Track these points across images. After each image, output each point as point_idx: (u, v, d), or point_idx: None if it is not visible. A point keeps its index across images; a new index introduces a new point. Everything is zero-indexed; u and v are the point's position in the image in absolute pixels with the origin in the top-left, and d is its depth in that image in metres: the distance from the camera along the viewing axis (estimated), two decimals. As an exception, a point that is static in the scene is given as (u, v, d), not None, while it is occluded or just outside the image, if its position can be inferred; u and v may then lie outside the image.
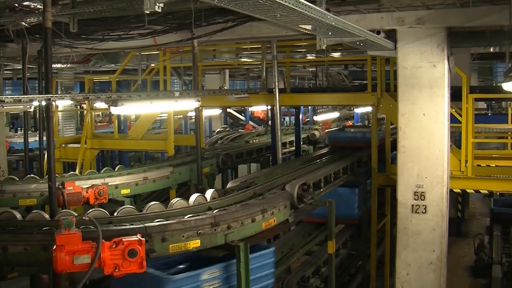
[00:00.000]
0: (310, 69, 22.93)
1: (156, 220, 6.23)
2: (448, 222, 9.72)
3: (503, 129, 14.67)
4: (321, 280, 9.86)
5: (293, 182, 8.44)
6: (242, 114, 26.74)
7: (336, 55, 16.14)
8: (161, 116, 18.65)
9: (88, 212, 6.68)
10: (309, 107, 25.41)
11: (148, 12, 4.03)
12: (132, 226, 6.00)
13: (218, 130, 22.39)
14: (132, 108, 8.53)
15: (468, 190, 11.23)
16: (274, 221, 7.37)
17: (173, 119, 13.82)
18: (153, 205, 7.00)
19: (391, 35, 9.17)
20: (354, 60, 16.86)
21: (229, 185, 8.64)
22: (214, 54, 16.98)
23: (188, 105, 9.95)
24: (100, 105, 15.02)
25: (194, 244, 6.23)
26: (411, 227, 9.36)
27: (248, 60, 18.11)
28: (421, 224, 9.30)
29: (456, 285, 14.42)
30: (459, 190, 11.29)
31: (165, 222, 6.12)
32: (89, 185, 9.20)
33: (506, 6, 6.63)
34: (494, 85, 21.73)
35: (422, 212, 9.24)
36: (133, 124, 16.54)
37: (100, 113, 27.28)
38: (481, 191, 11.29)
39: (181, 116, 16.71)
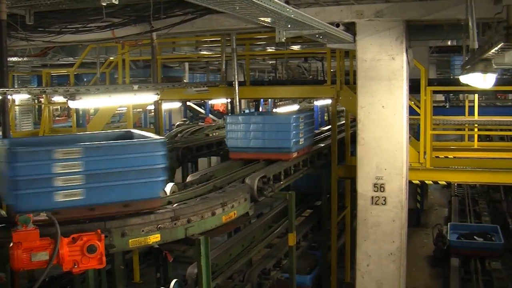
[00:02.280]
0: (270, 62, 22.95)
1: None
2: (408, 213, 9.83)
3: (460, 121, 14.85)
4: (282, 272, 9.88)
5: (253, 175, 8.42)
6: (202, 107, 26.63)
7: (295, 48, 16.16)
8: (120, 110, 18.48)
9: (46, 207, 6.57)
10: (269, 100, 25.44)
11: (105, 4, 3.98)
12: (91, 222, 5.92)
13: (177, 123, 22.24)
14: (90, 102, 8.41)
15: (426, 181, 11.35)
16: (234, 214, 7.35)
17: (132, 113, 13.72)
18: (112, 200, 6.92)
19: (350, 27, 9.21)
20: (314, 53, 16.89)
21: (189, 179, 8.59)
22: (174, 47, 16.87)
23: (147, 98, 9.87)
24: (58, 99, 14.82)
25: (154, 238, 6.17)
26: (371, 218, 9.44)
27: (208, 53, 18.04)
28: (380, 216, 9.39)
29: (416, 274, 14.61)
30: (418, 182, 11.42)
31: (124, 217, 6.05)
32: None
33: (462, 0, 6.69)
34: (452, 77, 22.02)
35: (382, 203, 9.32)
36: (92, 118, 16.36)
37: (59, 107, 26.92)
38: (439, 182, 11.42)
39: (141, 109, 16.60)
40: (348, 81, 12.42)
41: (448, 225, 15.73)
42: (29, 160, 5.75)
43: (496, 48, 5.99)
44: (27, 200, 5.75)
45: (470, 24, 5.99)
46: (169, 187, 7.72)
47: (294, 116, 10.24)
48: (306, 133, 10.57)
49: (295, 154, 10.02)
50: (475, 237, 14.83)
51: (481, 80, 7.96)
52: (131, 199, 6.15)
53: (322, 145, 12.29)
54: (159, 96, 9.76)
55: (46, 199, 5.84)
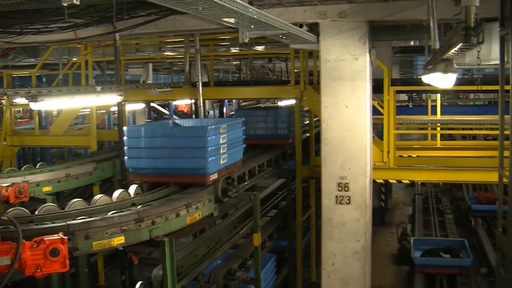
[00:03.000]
0: (234, 63, 22.93)
1: (79, 218, 6.10)
2: (372, 212, 9.92)
3: (423, 120, 15.01)
4: (247, 273, 9.88)
5: (218, 176, 8.37)
6: (166, 108, 26.48)
7: (259, 48, 16.18)
8: (83, 111, 18.31)
9: (8, 211, 6.47)
10: (233, 100, 25.43)
11: (66, 4, 3.93)
12: (54, 225, 5.83)
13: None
14: (52, 104, 8.29)
15: (390, 181, 11.47)
16: (199, 215, 7.35)
17: (95, 114, 13.60)
18: (76, 202, 6.84)
19: (314, 28, 9.25)
20: (278, 53, 16.93)
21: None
22: (137, 47, 16.75)
23: (110, 99, 9.79)
24: (20, 100, 14.63)
25: (119, 240, 6.13)
26: (335, 218, 9.49)
27: (172, 54, 17.95)
28: (345, 215, 9.45)
29: (380, 273, 14.71)
30: (382, 181, 11.53)
31: (88, 220, 5.99)
32: (9, 184, 8.90)
33: (425, 1, 6.77)
34: (414, 77, 22.25)
35: (346, 203, 9.38)
36: (55, 119, 16.18)
37: (21, 109, 26.55)
38: (403, 181, 11.56)
39: (104, 111, 16.45)
40: (311, 81, 12.48)
41: (411, 241, 14.57)
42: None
43: (456, 49, 6.08)
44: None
45: (431, 24, 6.07)
46: (132, 188, 7.69)
47: (213, 127, 8.05)
48: (232, 147, 8.67)
49: (214, 176, 8.00)
50: (441, 253, 13.73)
51: (442, 80, 8.07)
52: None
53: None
54: (122, 97, 9.70)
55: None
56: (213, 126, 8.05)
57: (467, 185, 20.93)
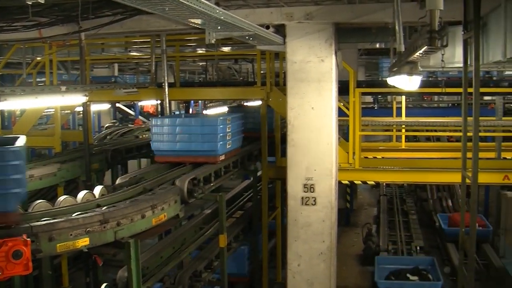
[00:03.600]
0: (200, 64, 22.87)
1: (43, 219, 6.02)
2: (338, 213, 9.96)
3: (388, 122, 15.14)
4: (213, 274, 9.87)
5: (183, 177, 8.39)
6: (132, 109, 26.34)
7: (226, 49, 16.17)
8: (47, 111, 18.09)
9: (-31, 212, 6.37)
10: (199, 101, 25.37)
11: (30, 3, 3.88)
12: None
13: (107, 125, 21.96)
14: (16, 103, 8.18)
15: (356, 182, 11.54)
16: (165, 216, 7.30)
17: (60, 114, 13.45)
18: (39, 204, 6.75)
19: (280, 30, 9.27)
20: (244, 54, 16.93)
21: (118, 181, 8.48)
22: (103, 47, 16.62)
23: (75, 100, 9.69)
24: (-18, 100, 14.39)
25: (83, 242, 6.06)
26: (301, 219, 9.52)
27: (138, 54, 17.86)
28: (311, 216, 9.48)
29: (346, 273, 14.82)
30: (347, 182, 11.59)
31: (51, 221, 5.91)
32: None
33: (390, 4, 6.82)
34: (380, 79, 22.43)
35: (312, 204, 9.42)
36: (18, 119, 15.97)
37: (-17, 108, 26.18)
38: (368, 182, 11.64)
39: (69, 111, 16.27)
40: (278, 83, 12.51)
41: (376, 260, 13.72)
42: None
43: (420, 51, 6.14)
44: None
45: (397, 27, 6.12)
46: (97, 190, 7.63)
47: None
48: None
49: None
50: (408, 275, 12.78)
51: (407, 82, 8.16)
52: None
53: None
54: (87, 98, 9.61)
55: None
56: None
57: (431, 186, 21.20)
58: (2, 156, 5.79)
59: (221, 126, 9.71)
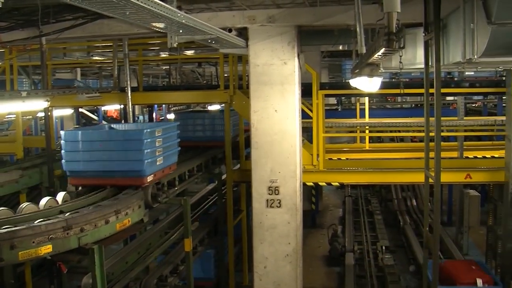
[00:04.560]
0: (164, 67, 22.80)
1: (4, 227, 5.94)
2: (303, 214, 10.00)
3: (352, 123, 15.26)
4: (179, 278, 9.83)
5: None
6: (95, 114, 26.11)
7: (189, 53, 16.13)
8: (8, 117, 17.85)
9: None
10: (163, 105, 25.28)
11: (-12, 7, 3.82)
12: (-23, 235, 5.67)
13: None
14: (-25, 110, 8.09)
15: (320, 183, 11.60)
16: (129, 221, 7.26)
17: (21, 120, 13.28)
18: (1, 211, 6.67)
19: (243, 33, 9.28)
20: (207, 58, 16.91)
21: (81, 187, 8.39)
22: (65, 52, 16.46)
23: (36, 105, 9.58)
24: None
25: (46, 249, 5.98)
26: (266, 221, 9.53)
27: (100, 58, 17.71)
28: (276, 218, 9.50)
29: (312, 274, 14.88)
30: (312, 184, 11.64)
31: (13, 229, 5.83)
32: None
33: (351, 7, 6.88)
34: (343, 81, 22.60)
35: (277, 206, 9.44)
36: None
37: None
38: (333, 183, 11.69)
39: (30, 116, 16.08)
40: (241, 86, 12.52)
41: None
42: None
43: (379, 53, 6.21)
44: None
45: (358, 29, 6.16)
46: (60, 196, 7.54)
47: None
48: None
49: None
50: None
51: (368, 84, 8.25)
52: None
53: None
54: (49, 103, 9.51)
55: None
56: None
57: (396, 186, 21.42)
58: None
59: (148, 140, 8.04)
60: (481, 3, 5.15)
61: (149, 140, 8.08)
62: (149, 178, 8.11)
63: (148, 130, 8.23)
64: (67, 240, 6.20)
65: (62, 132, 8.41)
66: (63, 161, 8.18)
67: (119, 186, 8.06)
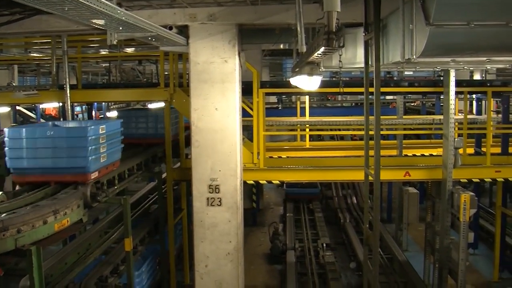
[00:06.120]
0: (104, 65, 22.51)
1: None
2: (244, 212, 10.03)
3: (293, 121, 15.37)
4: (119, 278, 9.72)
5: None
6: (33, 112, 25.60)
7: (129, 50, 15.97)
8: None
9: None
10: (103, 103, 24.96)
11: None
12: None
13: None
14: None
15: (261, 181, 11.64)
16: (68, 221, 7.15)
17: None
18: None
19: (183, 31, 9.26)
20: (148, 55, 16.77)
21: (18, 187, 8.22)
22: (1, 48, 16.09)
23: (-29, 103, 9.36)
24: None
25: (-19, 251, 5.86)
26: (207, 219, 9.53)
27: (38, 55, 17.37)
28: (217, 217, 9.51)
29: (254, 272, 14.91)
30: (252, 182, 11.67)
31: None
32: None
33: (293, 6, 6.92)
34: (284, 80, 22.73)
35: (218, 204, 9.45)
36: None
37: None
38: (273, 181, 11.75)
39: (-35, 115, 15.70)
40: (182, 84, 12.45)
41: None
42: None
43: (319, 52, 6.26)
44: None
45: (298, 28, 6.20)
46: (-4, 196, 7.38)
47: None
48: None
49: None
50: None
51: (307, 82, 8.31)
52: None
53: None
54: (-16, 101, 9.30)
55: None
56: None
57: (336, 184, 21.68)
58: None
59: (92, 137, 8.18)
60: (420, 5, 5.24)
61: (93, 137, 8.19)
62: (94, 175, 8.24)
63: (93, 127, 8.30)
64: (3, 242, 6.07)
65: (6, 130, 8.37)
66: (6, 158, 8.18)
67: (64, 183, 8.13)
